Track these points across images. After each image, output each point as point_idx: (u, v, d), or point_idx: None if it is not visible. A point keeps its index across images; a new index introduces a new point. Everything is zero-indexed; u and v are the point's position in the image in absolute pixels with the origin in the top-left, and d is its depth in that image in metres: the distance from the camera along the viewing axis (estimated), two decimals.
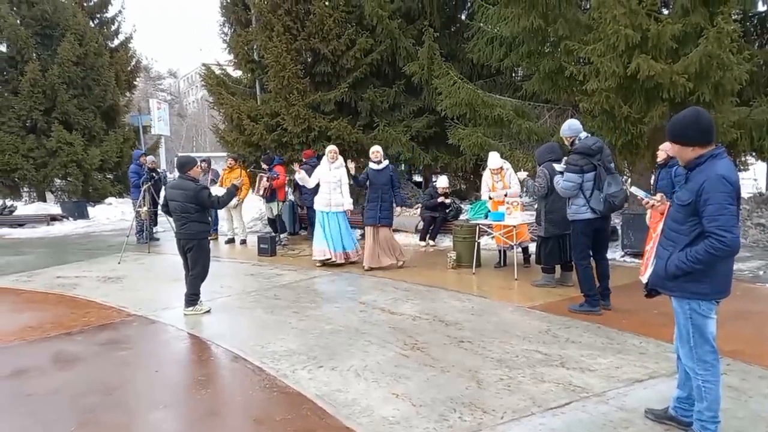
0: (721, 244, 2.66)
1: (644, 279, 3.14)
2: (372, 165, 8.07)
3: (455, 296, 6.39)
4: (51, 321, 5.84)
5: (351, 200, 8.45)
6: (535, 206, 7.68)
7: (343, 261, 8.32)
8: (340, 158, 8.47)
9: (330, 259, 8.28)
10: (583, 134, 5.58)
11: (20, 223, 15.33)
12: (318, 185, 8.46)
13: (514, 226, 7.37)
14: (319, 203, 8.38)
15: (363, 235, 8.63)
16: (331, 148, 8.46)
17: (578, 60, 8.59)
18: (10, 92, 17.29)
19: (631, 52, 7.49)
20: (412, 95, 12.62)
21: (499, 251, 8.11)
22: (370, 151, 8.21)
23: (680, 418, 3.12)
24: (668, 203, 3.13)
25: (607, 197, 5.33)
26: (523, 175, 7.04)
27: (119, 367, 4.50)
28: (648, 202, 3.26)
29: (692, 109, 2.91)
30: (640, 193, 3.31)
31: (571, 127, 5.64)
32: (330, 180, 8.26)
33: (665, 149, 6.45)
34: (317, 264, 8.36)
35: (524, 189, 7.97)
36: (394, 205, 8.36)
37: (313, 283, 7.36)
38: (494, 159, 7.89)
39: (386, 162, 8.14)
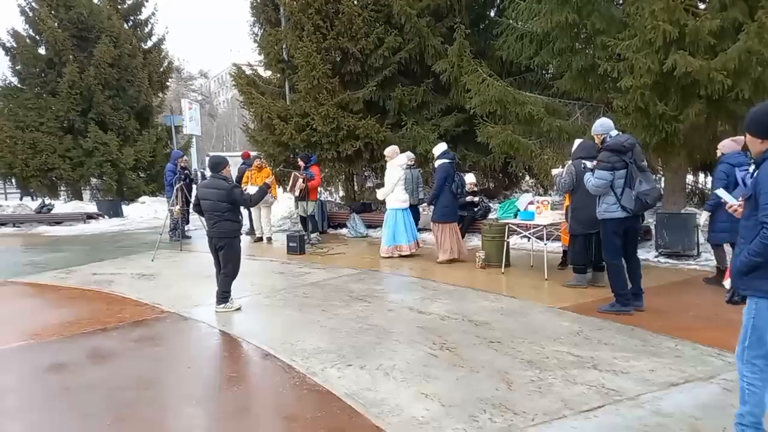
0: None
1: (727, 285, 3.01)
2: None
3: (484, 296, 6.34)
4: (88, 317, 5.99)
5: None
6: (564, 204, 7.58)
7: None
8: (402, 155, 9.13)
9: (409, 253, 8.91)
10: (614, 132, 5.52)
11: (58, 221, 15.80)
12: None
13: (545, 226, 7.28)
14: (397, 201, 8.95)
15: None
16: (410, 155, 9.42)
17: (612, 56, 8.42)
18: (48, 94, 17.80)
19: (667, 48, 7.30)
20: (440, 93, 12.56)
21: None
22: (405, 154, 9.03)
23: None
24: None
25: (639, 195, 5.23)
26: (555, 171, 6.95)
27: (153, 363, 4.59)
28: (732, 207, 3.09)
29: None
30: (725, 197, 3.16)
31: (603, 125, 5.58)
32: (405, 179, 9.02)
33: (719, 147, 6.33)
34: (385, 256, 8.97)
35: (554, 185, 7.87)
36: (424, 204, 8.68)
37: (342, 281, 7.40)
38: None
39: (440, 161, 8.55)
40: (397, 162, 8.91)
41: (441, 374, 4.03)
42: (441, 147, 8.66)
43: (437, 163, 8.56)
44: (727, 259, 6.43)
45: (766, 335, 2.74)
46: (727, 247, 6.35)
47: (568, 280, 6.71)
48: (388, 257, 8.89)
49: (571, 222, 6.49)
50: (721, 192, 3.26)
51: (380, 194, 9.24)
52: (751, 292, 2.79)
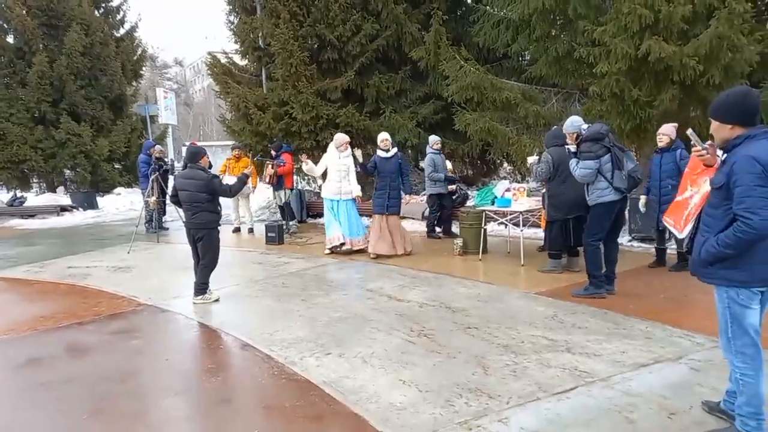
0: (747, 227, 2.56)
1: (682, 235, 3.01)
2: (380, 153, 8.10)
3: (462, 283, 6.41)
4: (63, 311, 5.92)
5: (359, 187, 8.47)
6: (542, 191, 7.68)
7: (351, 247, 8.37)
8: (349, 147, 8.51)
9: (344, 244, 8.35)
10: (585, 125, 5.71)
11: (30, 214, 15.48)
12: (325, 173, 8.49)
13: (521, 212, 7.36)
14: (328, 191, 8.40)
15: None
16: (342, 138, 8.45)
17: (589, 42, 8.49)
18: (18, 84, 17.36)
19: (642, 33, 7.39)
20: (418, 81, 12.56)
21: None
22: (379, 139, 8.22)
23: (729, 412, 3.00)
24: (717, 158, 2.98)
25: (629, 173, 5.41)
26: (530, 159, 7.03)
27: (131, 356, 4.57)
28: (699, 150, 3.11)
29: (743, 87, 2.85)
30: (695, 138, 3.16)
31: (573, 123, 5.77)
32: (339, 168, 8.29)
33: (668, 133, 6.41)
34: (326, 252, 8.42)
35: (531, 174, 7.95)
36: (403, 193, 8.36)
37: (321, 271, 7.41)
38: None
39: (395, 150, 8.16)
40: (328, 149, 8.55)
41: (418, 361, 4.09)
42: (434, 138, 8.68)
43: (394, 150, 8.18)
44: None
45: (744, 322, 2.74)
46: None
47: (543, 266, 6.82)
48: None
49: (548, 209, 6.60)
50: (690, 132, 3.22)
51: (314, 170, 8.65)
52: (717, 281, 2.80)
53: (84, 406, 3.64)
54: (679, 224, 4.05)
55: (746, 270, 2.68)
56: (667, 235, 6.75)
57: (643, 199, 6.82)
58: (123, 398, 3.75)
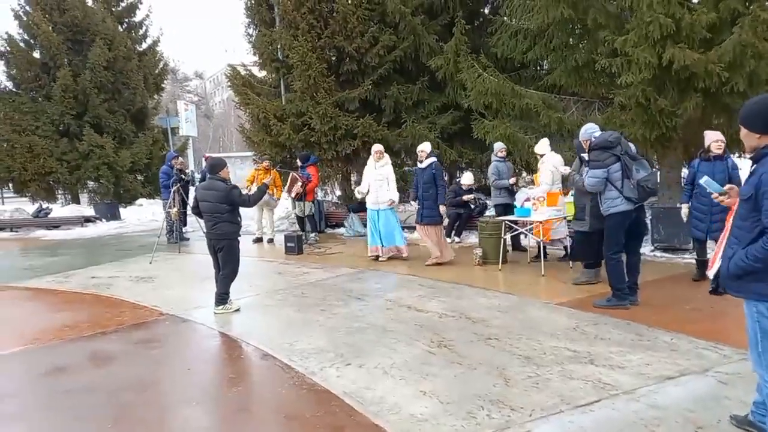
0: None
1: (710, 274, 2.98)
2: (419, 164, 8.29)
3: (481, 293, 6.37)
4: (87, 320, 6.01)
5: (397, 194, 8.61)
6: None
7: (381, 255, 8.57)
8: (386, 156, 8.68)
9: (379, 257, 8.54)
10: (598, 132, 5.67)
11: (55, 225, 15.78)
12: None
13: (541, 222, 7.30)
14: (368, 202, 8.60)
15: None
16: (378, 148, 8.63)
17: (609, 52, 8.43)
18: (43, 97, 17.77)
19: (664, 42, 7.32)
20: (435, 91, 12.58)
21: (537, 246, 8.00)
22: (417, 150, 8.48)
23: (758, 424, 2.93)
24: (737, 197, 2.94)
25: (640, 182, 5.28)
26: (567, 170, 6.97)
27: (152, 365, 4.61)
28: (718, 197, 3.07)
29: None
30: (711, 187, 3.11)
31: (587, 129, 5.75)
32: (376, 178, 8.48)
33: (723, 139, 6.09)
34: (371, 257, 8.66)
35: (570, 184, 7.78)
36: (438, 203, 8.16)
37: (340, 281, 7.42)
38: (541, 144, 7.84)
39: (429, 160, 8.16)
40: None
41: (439, 372, 4.06)
42: (428, 145, 8.50)
43: (430, 161, 8.15)
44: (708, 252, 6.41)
45: None
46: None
47: (577, 278, 6.63)
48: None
49: (590, 219, 6.35)
50: (705, 182, 3.16)
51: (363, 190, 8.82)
52: (745, 295, 2.73)
53: (106, 415, 3.67)
54: (709, 265, 3.95)
55: None
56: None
57: (684, 208, 6.43)
58: (144, 407, 3.79)
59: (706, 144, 6.11)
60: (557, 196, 7.60)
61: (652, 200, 8.10)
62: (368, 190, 8.58)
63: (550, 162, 7.62)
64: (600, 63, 8.20)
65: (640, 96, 7.66)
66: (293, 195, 10.53)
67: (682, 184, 6.67)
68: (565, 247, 7.88)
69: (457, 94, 11.27)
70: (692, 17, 7.16)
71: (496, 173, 8.81)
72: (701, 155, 6.19)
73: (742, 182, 2.96)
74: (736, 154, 9.27)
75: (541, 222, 7.37)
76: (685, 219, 6.48)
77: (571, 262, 7.45)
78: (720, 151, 6.03)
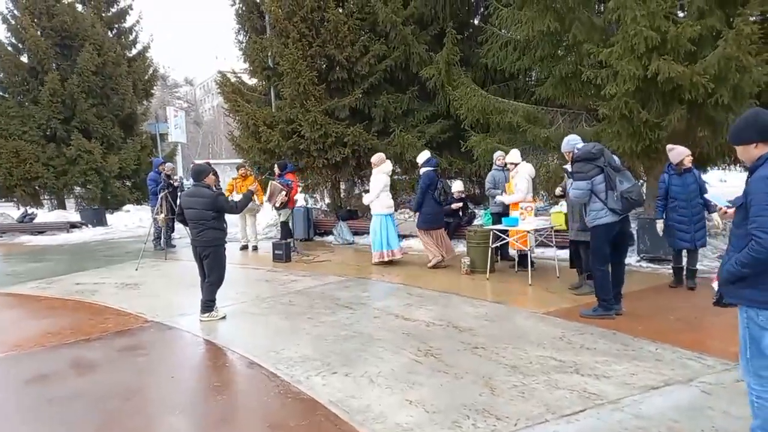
0: (759, 246, 2.56)
1: (715, 286, 3.01)
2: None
3: (469, 302, 6.37)
4: (70, 327, 5.93)
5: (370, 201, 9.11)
6: (550, 211, 7.66)
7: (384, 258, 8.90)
8: (382, 165, 8.98)
9: (388, 259, 8.89)
10: (580, 144, 5.72)
11: (41, 230, 15.62)
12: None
13: (529, 231, 7.34)
14: (382, 207, 8.87)
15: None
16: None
17: (594, 64, 8.53)
18: (31, 102, 17.65)
19: (649, 54, 7.42)
20: (425, 101, 12.64)
21: (518, 254, 8.09)
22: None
23: None
24: None
25: (623, 194, 5.31)
26: (557, 191, 7.04)
27: (137, 373, 4.56)
28: (726, 211, 3.09)
29: (752, 109, 2.85)
30: (719, 202, 3.16)
31: (568, 141, 5.83)
32: (389, 185, 9.06)
33: (689, 154, 6.40)
34: (375, 262, 8.95)
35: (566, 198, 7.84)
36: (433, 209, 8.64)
37: (328, 289, 7.39)
38: (512, 153, 8.17)
39: (422, 170, 8.60)
40: (383, 169, 8.92)
41: (425, 381, 4.05)
42: (425, 155, 8.73)
43: (421, 171, 8.63)
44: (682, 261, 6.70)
45: (762, 344, 2.69)
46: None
47: (580, 289, 6.59)
48: (380, 262, 8.87)
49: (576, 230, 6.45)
50: (712, 196, 3.25)
51: (366, 199, 9.26)
52: (739, 301, 2.77)
53: (90, 423, 3.62)
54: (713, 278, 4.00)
55: (767, 291, 2.65)
56: (683, 253, 6.69)
57: (659, 223, 6.63)
58: (129, 415, 3.74)
59: (677, 160, 6.38)
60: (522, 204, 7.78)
61: (638, 211, 8.18)
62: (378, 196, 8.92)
63: (525, 171, 7.86)
64: (586, 74, 8.29)
65: (623, 108, 7.75)
66: (278, 204, 10.44)
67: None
68: (522, 256, 7.97)
69: (446, 103, 11.35)
70: (677, 30, 7.26)
71: (492, 182, 8.76)
72: (670, 170, 6.47)
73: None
74: (730, 166, 9.52)
75: (528, 231, 7.40)
76: (661, 233, 6.62)
77: (558, 272, 7.51)
78: (688, 164, 6.39)
